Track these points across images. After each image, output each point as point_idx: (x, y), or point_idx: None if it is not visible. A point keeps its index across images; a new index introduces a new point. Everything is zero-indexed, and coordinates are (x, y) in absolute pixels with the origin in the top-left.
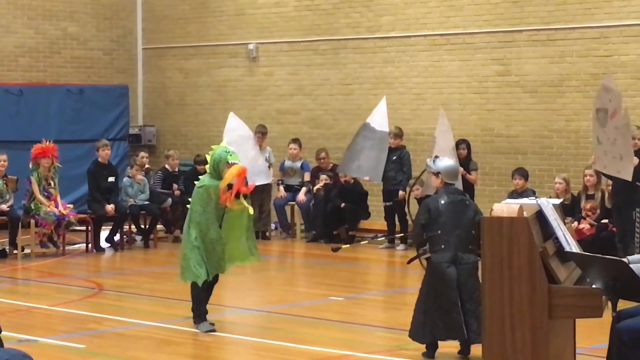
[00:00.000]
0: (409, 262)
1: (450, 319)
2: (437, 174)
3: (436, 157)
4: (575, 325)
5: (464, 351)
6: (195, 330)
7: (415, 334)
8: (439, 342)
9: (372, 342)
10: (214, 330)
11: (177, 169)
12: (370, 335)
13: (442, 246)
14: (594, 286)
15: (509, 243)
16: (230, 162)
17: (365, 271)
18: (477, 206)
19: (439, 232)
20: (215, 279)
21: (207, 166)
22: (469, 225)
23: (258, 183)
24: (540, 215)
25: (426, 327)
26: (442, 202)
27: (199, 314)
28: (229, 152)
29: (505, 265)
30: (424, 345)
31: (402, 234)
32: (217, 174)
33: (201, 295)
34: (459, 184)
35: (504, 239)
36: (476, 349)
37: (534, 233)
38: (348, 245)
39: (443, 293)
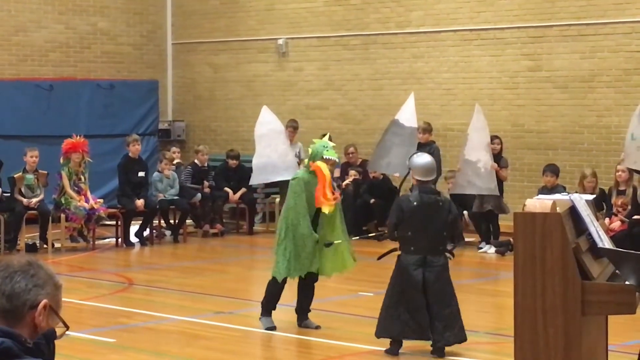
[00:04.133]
0: (379, 259)
1: (416, 321)
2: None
3: (415, 153)
4: (608, 322)
5: (438, 352)
6: (225, 324)
7: (378, 330)
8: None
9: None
10: (274, 329)
11: (206, 164)
12: None
13: (412, 248)
14: (627, 282)
15: (542, 239)
16: (325, 157)
17: None
18: (453, 204)
19: (409, 233)
20: (315, 277)
21: (304, 160)
22: (441, 227)
23: (286, 178)
24: (573, 210)
25: (387, 323)
26: (415, 202)
27: (267, 309)
28: (326, 147)
29: (538, 261)
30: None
31: (374, 234)
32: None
33: (275, 292)
34: (491, 180)
35: (536, 234)
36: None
37: (567, 229)
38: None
39: (409, 295)
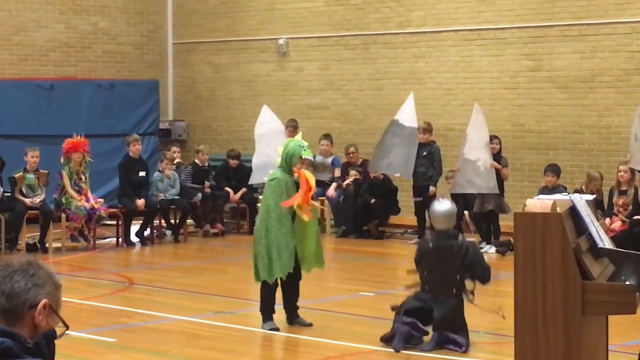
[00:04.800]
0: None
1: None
2: None
3: (441, 197)
4: (608, 322)
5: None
6: (225, 324)
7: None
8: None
9: None
10: (277, 329)
11: (207, 164)
12: None
13: (426, 287)
14: (627, 283)
15: (542, 239)
16: (303, 157)
17: (395, 267)
18: (471, 248)
19: (425, 273)
20: (298, 276)
21: (278, 159)
22: (454, 271)
23: None
24: (573, 210)
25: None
26: (431, 245)
27: (267, 314)
28: (303, 146)
29: (538, 261)
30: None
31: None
32: (289, 168)
33: (269, 295)
34: (490, 178)
35: (537, 234)
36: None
37: (567, 229)
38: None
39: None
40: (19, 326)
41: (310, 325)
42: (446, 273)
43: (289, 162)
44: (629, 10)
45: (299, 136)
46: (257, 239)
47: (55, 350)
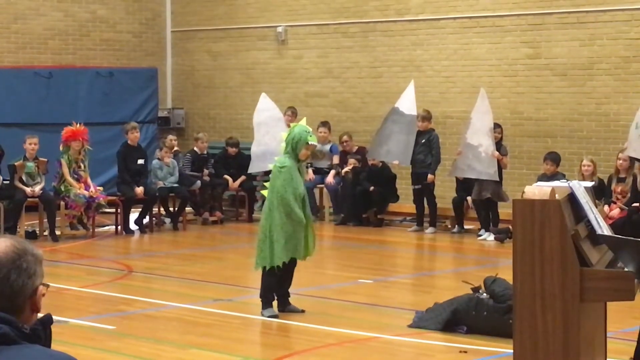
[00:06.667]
0: None
1: None
2: None
3: None
4: (607, 308)
5: None
6: (224, 311)
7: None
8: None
9: (401, 325)
10: (276, 317)
11: (206, 152)
12: (399, 317)
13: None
14: (625, 269)
15: (541, 226)
16: (310, 143)
17: (394, 254)
18: None
19: None
20: (294, 263)
21: (282, 144)
22: None
23: None
24: (572, 197)
25: None
26: None
27: (267, 300)
28: (309, 132)
29: (537, 248)
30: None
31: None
32: (295, 154)
33: (272, 282)
34: (491, 165)
35: (535, 221)
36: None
37: (565, 215)
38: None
39: None
40: (19, 314)
41: (302, 312)
42: None
43: (294, 148)
44: None
45: (303, 121)
46: (267, 226)
47: (54, 337)
